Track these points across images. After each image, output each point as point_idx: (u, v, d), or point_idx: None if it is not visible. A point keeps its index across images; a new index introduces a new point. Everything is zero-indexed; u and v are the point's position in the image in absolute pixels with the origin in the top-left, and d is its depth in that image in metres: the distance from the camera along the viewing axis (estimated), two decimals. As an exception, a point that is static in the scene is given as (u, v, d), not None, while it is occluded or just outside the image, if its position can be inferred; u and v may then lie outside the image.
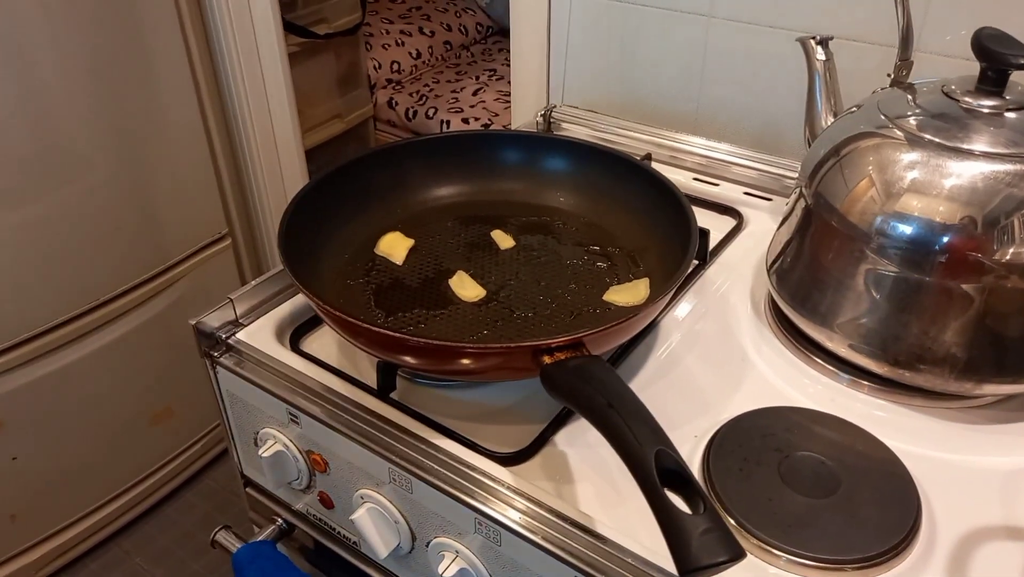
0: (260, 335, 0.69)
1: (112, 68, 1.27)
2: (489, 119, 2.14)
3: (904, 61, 0.66)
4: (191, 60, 1.44)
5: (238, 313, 0.70)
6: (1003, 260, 0.55)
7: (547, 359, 0.53)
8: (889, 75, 0.67)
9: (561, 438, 0.60)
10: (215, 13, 1.45)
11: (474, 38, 2.64)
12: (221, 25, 1.46)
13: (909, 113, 0.61)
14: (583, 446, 0.59)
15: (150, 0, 1.31)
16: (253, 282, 0.71)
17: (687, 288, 0.75)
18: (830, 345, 0.63)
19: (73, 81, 1.22)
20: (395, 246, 0.73)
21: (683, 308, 0.73)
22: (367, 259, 0.73)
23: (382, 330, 0.54)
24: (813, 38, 0.73)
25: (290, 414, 0.64)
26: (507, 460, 0.57)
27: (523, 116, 1.13)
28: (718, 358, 0.67)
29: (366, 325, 0.55)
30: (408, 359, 0.57)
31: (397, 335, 0.54)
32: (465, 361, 0.56)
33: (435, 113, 2.19)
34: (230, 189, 1.63)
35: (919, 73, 0.69)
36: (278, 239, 0.63)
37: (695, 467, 0.56)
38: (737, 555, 0.37)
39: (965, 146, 0.57)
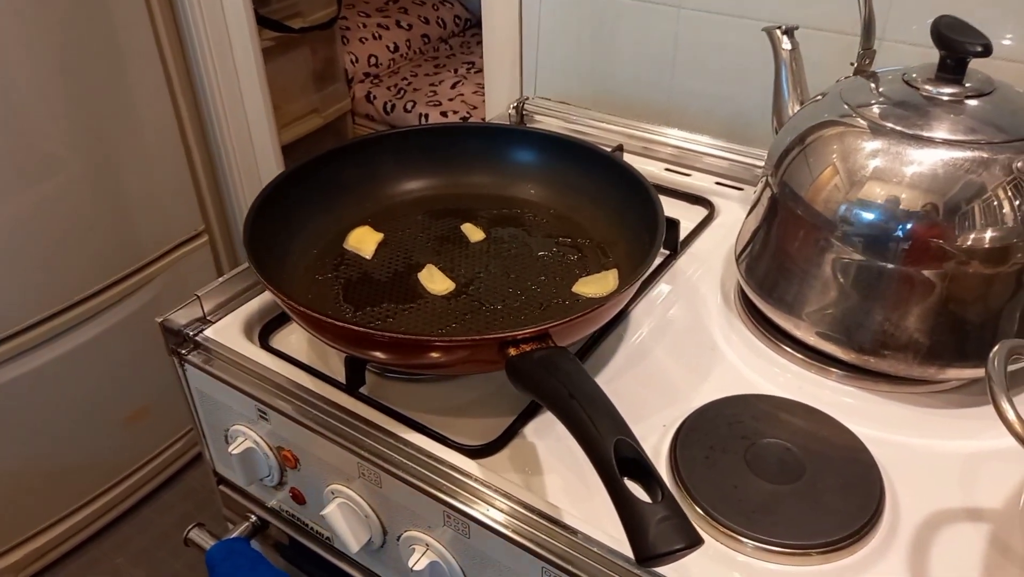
0: (228, 332, 0.68)
1: (83, 66, 1.25)
2: (468, 112, 2.13)
3: (867, 50, 0.66)
4: (163, 56, 1.43)
5: (206, 310, 0.70)
6: (964, 246, 0.56)
7: (512, 351, 0.53)
8: (852, 64, 0.67)
9: (530, 430, 0.60)
10: (186, 8, 1.43)
11: (452, 31, 2.63)
12: (193, 20, 1.45)
13: (872, 101, 0.62)
14: (552, 438, 0.59)
15: (120, -3, 1.30)
16: (220, 279, 0.71)
17: (658, 278, 0.75)
18: (798, 333, 0.64)
19: (44, 79, 1.20)
20: (364, 240, 0.73)
21: (654, 298, 0.73)
22: (336, 254, 0.72)
23: (347, 325, 0.54)
24: (779, 28, 0.73)
25: (259, 411, 0.64)
26: (476, 453, 0.57)
27: (496, 108, 1.12)
28: (688, 348, 0.67)
29: (331, 320, 0.55)
30: (374, 353, 0.57)
31: (361, 329, 0.54)
32: (432, 354, 0.55)
33: (413, 107, 2.18)
34: (206, 186, 1.62)
35: (887, 62, 0.69)
36: (244, 235, 0.63)
37: (663, 456, 0.56)
38: (694, 542, 0.37)
39: (926, 134, 0.57)
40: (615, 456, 0.42)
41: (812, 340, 0.63)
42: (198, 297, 0.69)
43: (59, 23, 1.20)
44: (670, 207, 0.84)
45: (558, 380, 0.47)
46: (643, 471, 0.42)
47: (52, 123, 1.23)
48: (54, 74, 1.21)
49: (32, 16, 1.16)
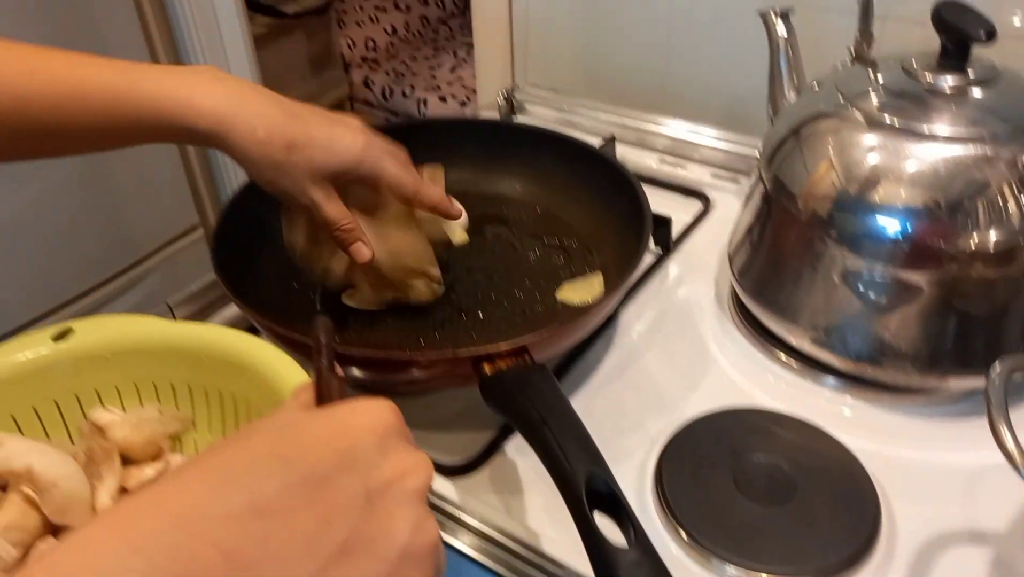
0: (202, 344, 0.66)
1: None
2: (467, 96, 2.09)
3: (865, 34, 0.63)
4: (152, 46, 1.40)
5: (178, 319, 0.67)
6: (967, 248, 0.52)
7: (488, 368, 0.50)
8: (849, 49, 0.64)
9: (511, 446, 0.57)
10: (173, -4, 1.41)
11: (452, 11, 2.58)
12: (180, 9, 1.42)
13: (870, 92, 0.58)
14: (533, 456, 0.56)
15: (104, -14, 1.27)
16: (192, 286, 0.68)
17: (650, 278, 0.72)
18: (791, 339, 0.61)
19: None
20: (342, 245, 0.70)
21: (645, 299, 0.70)
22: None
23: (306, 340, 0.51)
24: (773, 10, 0.69)
25: (232, 427, 0.61)
26: (453, 471, 0.55)
27: (487, 96, 1.09)
28: (678, 354, 0.65)
29: (299, 337, 0.52)
30: (348, 370, 0.55)
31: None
32: (403, 372, 0.53)
33: (412, 91, 2.14)
34: (201, 178, 1.60)
35: (889, 41, 0.65)
36: (211, 246, 0.60)
37: (648, 472, 0.54)
38: (666, 591, 0.35)
39: (925, 128, 0.53)
40: (587, 488, 0.39)
41: (807, 347, 0.60)
42: (168, 306, 0.67)
43: (41, 12, 1.17)
44: (664, 201, 0.81)
45: (531, 403, 0.45)
46: (617, 505, 0.39)
47: (38, 120, 1.21)
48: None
49: (15, 5, 1.14)
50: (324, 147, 0.54)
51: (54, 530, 0.40)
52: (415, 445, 0.31)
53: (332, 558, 0.25)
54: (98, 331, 0.47)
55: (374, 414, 0.30)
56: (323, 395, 0.33)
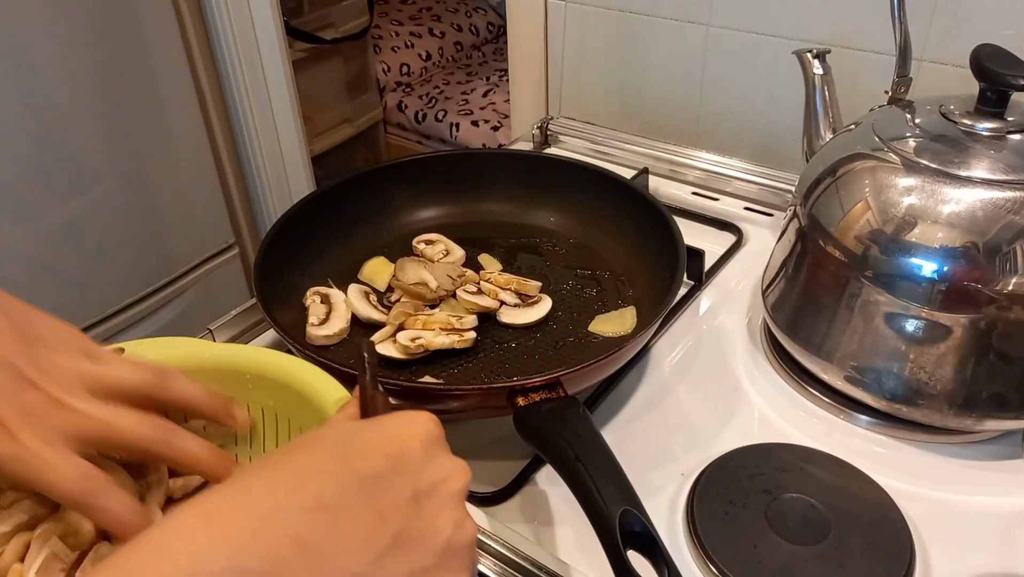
0: (241, 367, 0.67)
1: (116, 82, 1.27)
2: (499, 121, 2.11)
3: (902, 78, 0.63)
4: (195, 71, 1.44)
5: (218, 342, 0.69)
6: (1005, 290, 0.52)
7: (521, 400, 0.51)
8: (887, 92, 0.64)
9: (542, 476, 0.58)
10: (217, 24, 1.44)
11: (485, 38, 2.62)
12: (223, 36, 1.46)
13: (907, 135, 0.58)
14: (564, 486, 0.56)
15: (152, 14, 1.31)
16: (233, 312, 0.70)
17: (682, 310, 0.73)
18: (825, 377, 0.61)
19: (78, 96, 1.22)
20: (379, 272, 0.71)
21: (676, 332, 0.70)
22: (350, 285, 0.71)
23: (348, 369, 0.53)
24: (810, 51, 0.70)
25: (269, 449, 0.63)
26: (485, 501, 0.55)
27: (522, 126, 1.10)
28: (710, 388, 0.65)
29: (335, 364, 0.53)
30: (382, 398, 0.56)
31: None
32: (439, 402, 0.54)
33: (444, 116, 2.17)
34: (237, 198, 1.63)
35: (926, 83, 0.66)
36: (254, 275, 0.62)
37: (679, 508, 0.54)
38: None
39: (963, 173, 0.54)
40: (621, 527, 0.40)
41: (840, 384, 0.60)
42: (210, 331, 0.68)
43: (91, 42, 1.21)
44: (697, 233, 0.82)
45: (565, 439, 0.45)
46: (651, 544, 0.39)
47: (86, 139, 1.25)
48: (89, 92, 1.23)
49: (65, 36, 1.17)
50: None
51: (106, 536, 0.41)
52: (452, 453, 0.34)
53: (386, 549, 0.29)
54: (148, 351, 0.48)
55: (420, 424, 0.33)
56: (367, 408, 0.36)
